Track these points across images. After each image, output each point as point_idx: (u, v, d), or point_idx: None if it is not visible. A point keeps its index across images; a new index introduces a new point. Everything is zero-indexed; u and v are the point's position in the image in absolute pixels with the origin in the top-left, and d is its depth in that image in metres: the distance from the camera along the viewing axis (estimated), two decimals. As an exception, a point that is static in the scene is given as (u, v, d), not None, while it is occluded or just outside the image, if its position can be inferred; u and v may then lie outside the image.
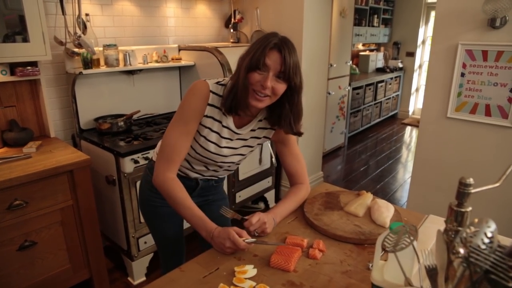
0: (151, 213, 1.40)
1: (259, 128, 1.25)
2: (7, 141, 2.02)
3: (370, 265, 1.02)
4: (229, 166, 1.33)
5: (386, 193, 3.71)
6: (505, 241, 1.03)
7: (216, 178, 1.41)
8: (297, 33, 2.90)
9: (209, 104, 1.14)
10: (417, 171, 2.52)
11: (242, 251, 1.07)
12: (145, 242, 2.22)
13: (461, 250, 0.64)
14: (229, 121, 1.18)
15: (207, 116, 1.15)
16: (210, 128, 1.17)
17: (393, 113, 6.60)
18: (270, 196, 3.25)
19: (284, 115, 1.15)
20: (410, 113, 6.77)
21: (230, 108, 1.12)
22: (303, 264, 1.02)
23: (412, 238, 0.72)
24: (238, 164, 1.35)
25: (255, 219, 1.13)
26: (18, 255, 1.76)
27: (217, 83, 1.16)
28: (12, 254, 1.74)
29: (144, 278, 2.29)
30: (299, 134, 1.21)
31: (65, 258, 1.95)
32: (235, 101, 1.10)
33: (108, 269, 2.22)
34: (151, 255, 2.29)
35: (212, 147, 1.20)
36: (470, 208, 0.72)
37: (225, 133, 1.19)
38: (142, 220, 2.16)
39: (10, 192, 1.67)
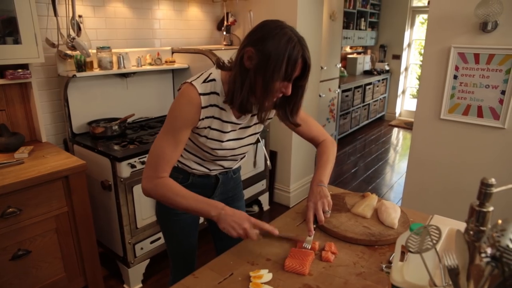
0: (171, 221, 1.36)
1: (255, 114, 1.22)
2: (-3, 146, 1.95)
3: (384, 266, 1.02)
4: (242, 157, 1.33)
5: (377, 194, 3.72)
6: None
7: (233, 168, 1.40)
8: (291, 36, 2.90)
9: (203, 107, 1.09)
10: (411, 172, 2.55)
11: (251, 239, 1.04)
12: (142, 248, 2.17)
13: (489, 250, 0.64)
14: (230, 115, 1.15)
15: (203, 119, 1.11)
16: (209, 127, 1.14)
17: (380, 115, 6.70)
18: (264, 199, 3.24)
19: (279, 104, 1.16)
20: (397, 115, 6.88)
21: (245, 110, 1.09)
22: (317, 267, 1.02)
23: (437, 238, 0.73)
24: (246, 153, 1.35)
25: (312, 212, 1.15)
26: (11, 264, 1.70)
27: (204, 81, 1.10)
28: (5, 264, 1.68)
29: (140, 285, 2.24)
30: (296, 125, 1.22)
31: (60, 267, 1.89)
32: (249, 103, 1.07)
33: (103, 276, 2.16)
34: (148, 261, 2.24)
35: (216, 145, 1.18)
36: (492, 208, 0.73)
37: (228, 127, 1.17)
38: (139, 225, 2.12)
39: (3, 199, 1.61)
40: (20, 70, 1.94)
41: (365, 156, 4.89)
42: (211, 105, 1.10)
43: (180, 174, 1.30)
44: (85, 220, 1.92)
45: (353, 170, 4.40)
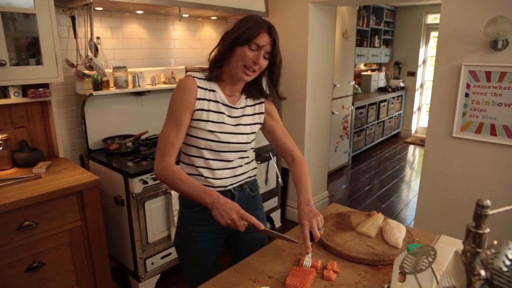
0: (190, 249, 1.36)
1: (247, 106, 1.34)
2: (17, 161, 2.03)
3: (386, 286, 1.02)
4: (243, 151, 1.34)
5: (391, 212, 3.69)
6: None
7: (248, 180, 1.39)
8: (302, 55, 2.95)
9: (199, 87, 1.23)
10: (424, 190, 2.52)
11: (239, 229, 1.10)
12: (152, 263, 2.20)
13: (482, 272, 0.64)
14: (223, 97, 1.28)
15: (200, 99, 1.23)
16: (209, 110, 1.24)
17: (395, 132, 6.63)
18: (276, 216, 3.24)
19: (262, 85, 1.33)
20: (413, 132, 6.80)
21: (217, 78, 1.26)
22: (318, 285, 1.02)
23: (432, 259, 0.73)
24: (251, 145, 1.36)
25: (307, 230, 1.16)
26: (26, 276, 1.75)
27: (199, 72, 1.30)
28: (20, 276, 1.73)
29: (150, 300, 2.26)
30: (281, 98, 1.39)
31: (72, 280, 1.93)
32: (219, 71, 1.25)
33: (114, 290, 2.20)
34: (158, 276, 2.27)
35: (217, 127, 1.25)
36: (488, 230, 0.73)
37: (222, 108, 1.27)
38: (150, 240, 2.16)
39: (20, 212, 1.67)
40: (41, 89, 2.04)
41: (380, 174, 4.84)
42: (205, 89, 1.25)
43: None
44: (98, 234, 1.97)
45: (367, 188, 4.35)
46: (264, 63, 1.22)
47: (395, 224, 1.28)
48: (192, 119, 1.24)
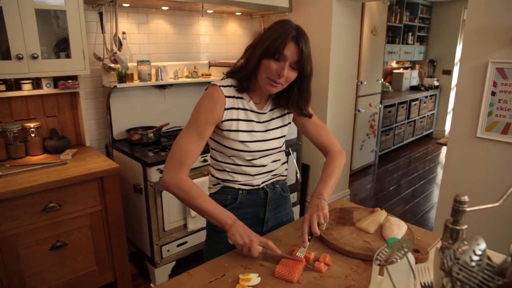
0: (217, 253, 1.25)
1: (275, 108, 1.30)
2: (47, 148, 2.19)
3: (375, 281, 1.02)
4: (276, 156, 1.34)
5: (416, 213, 3.59)
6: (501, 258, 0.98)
7: (279, 179, 1.41)
8: (325, 51, 2.93)
9: (226, 96, 1.18)
10: (445, 192, 2.44)
11: (254, 256, 1.08)
12: (168, 250, 2.29)
13: (449, 267, 0.64)
14: (251, 104, 1.23)
15: (228, 109, 1.18)
16: (237, 119, 1.21)
17: (428, 132, 6.40)
18: (295, 211, 3.24)
19: (292, 98, 1.24)
20: (446, 132, 6.53)
21: (247, 89, 1.21)
22: (307, 276, 1.04)
23: (404, 252, 0.73)
24: (281, 148, 1.36)
25: (307, 224, 1.15)
26: (50, 254, 1.89)
27: (222, 79, 1.24)
28: (46, 253, 1.88)
29: (165, 285, 2.35)
30: (309, 116, 1.30)
31: (92, 261, 2.06)
32: (248, 83, 1.19)
33: (133, 274, 2.31)
34: (174, 263, 2.36)
35: (247, 136, 1.23)
36: (465, 226, 0.72)
37: (251, 115, 1.24)
38: (166, 228, 2.25)
39: (46, 194, 1.81)
40: (70, 81, 2.17)
41: (408, 174, 4.71)
42: (233, 97, 1.20)
43: (228, 194, 1.30)
44: (117, 220, 2.08)
45: (392, 188, 4.25)
46: (291, 74, 1.13)
47: (395, 221, 1.27)
48: (221, 129, 1.21)
